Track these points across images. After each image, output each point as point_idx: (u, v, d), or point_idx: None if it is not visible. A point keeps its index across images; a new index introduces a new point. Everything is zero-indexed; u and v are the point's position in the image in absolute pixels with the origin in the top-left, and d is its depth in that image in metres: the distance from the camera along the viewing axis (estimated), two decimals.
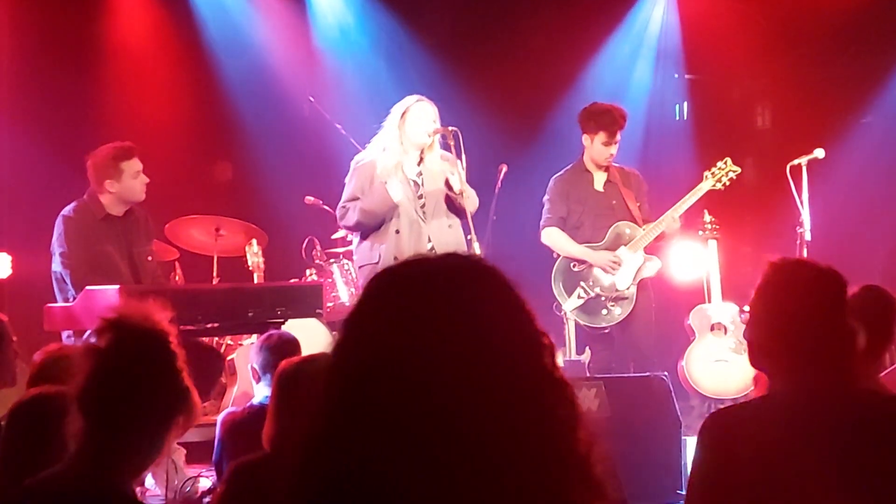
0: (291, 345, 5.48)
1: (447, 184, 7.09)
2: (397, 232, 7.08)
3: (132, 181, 6.92)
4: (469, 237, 7.08)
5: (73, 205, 6.96)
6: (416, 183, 7.17)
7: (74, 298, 6.52)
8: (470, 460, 1.51)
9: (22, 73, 9.45)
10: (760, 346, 3.05)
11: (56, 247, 6.84)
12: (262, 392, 5.45)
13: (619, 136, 7.82)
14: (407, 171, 7.16)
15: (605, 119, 7.78)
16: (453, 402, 1.52)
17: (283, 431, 4.04)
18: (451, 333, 1.55)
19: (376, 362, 1.56)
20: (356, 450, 1.54)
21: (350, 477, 1.53)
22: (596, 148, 7.83)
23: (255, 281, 8.29)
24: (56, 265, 6.85)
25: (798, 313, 2.98)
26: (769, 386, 3.03)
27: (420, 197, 7.14)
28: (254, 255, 8.41)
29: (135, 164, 6.94)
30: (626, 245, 7.81)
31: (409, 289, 1.62)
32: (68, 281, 6.75)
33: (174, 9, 10.20)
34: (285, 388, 4.10)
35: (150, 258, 7.19)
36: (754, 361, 3.09)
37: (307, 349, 7.49)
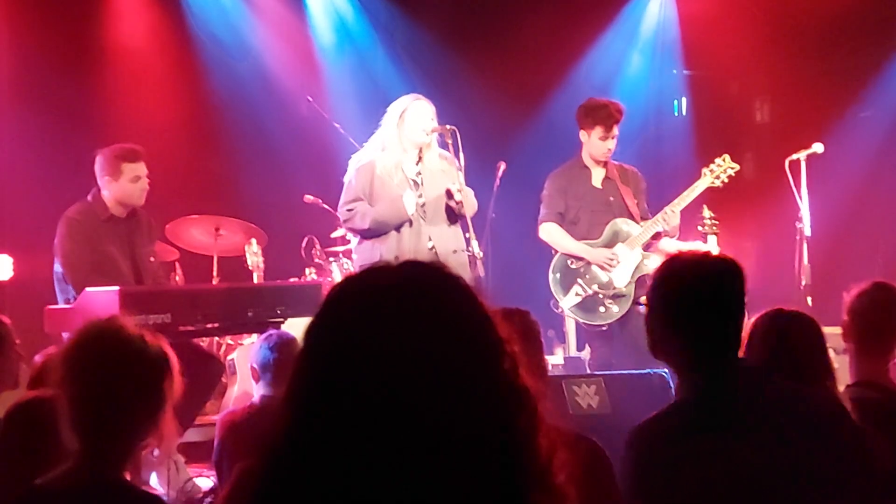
0: (291, 344, 5.48)
1: (449, 194, 7.09)
2: (398, 231, 7.09)
3: (129, 184, 6.90)
4: (467, 235, 7.08)
5: (76, 205, 6.96)
6: (415, 182, 7.17)
7: (74, 299, 6.53)
8: (428, 470, 1.52)
9: (22, 77, 9.45)
10: (659, 339, 3.01)
11: (58, 247, 6.85)
12: (261, 391, 5.45)
13: (616, 131, 7.82)
14: (407, 170, 7.16)
15: (601, 113, 7.80)
16: (411, 409, 1.53)
17: None
18: (409, 342, 1.56)
19: (335, 372, 1.56)
20: (315, 456, 1.55)
21: (309, 482, 1.54)
22: (593, 143, 7.84)
23: (255, 280, 8.30)
24: (58, 266, 6.86)
25: (689, 304, 2.93)
26: (676, 386, 2.99)
27: (420, 196, 7.15)
28: (253, 255, 8.43)
29: (136, 168, 6.92)
30: (623, 242, 7.81)
31: (367, 298, 1.62)
32: (69, 281, 6.76)
33: (172, 10, 10.20)
34: None
35: (152, 259, 7.20)
36: (655, 354, 3.05)
37: None
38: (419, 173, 7.19)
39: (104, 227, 6.91)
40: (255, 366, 5.49)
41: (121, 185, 6.88)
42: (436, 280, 1.65)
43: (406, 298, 1.61)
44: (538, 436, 1.60)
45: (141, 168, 6.93)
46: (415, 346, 1.56)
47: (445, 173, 7.17)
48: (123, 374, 2.92)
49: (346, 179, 7.28)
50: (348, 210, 7.21)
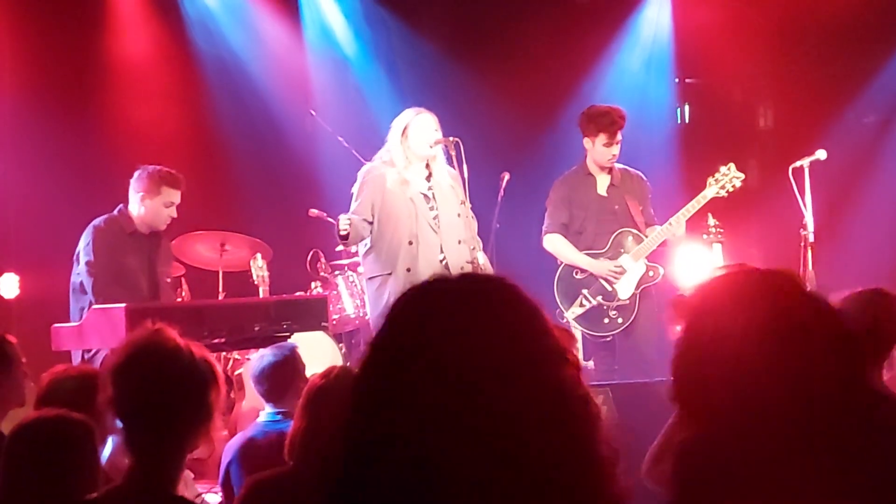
0: (284, 366, 5.49)
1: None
2: (410, 243, 7.11)
3: (162, 207, 7.07)
4: (472, 247, 7.09)
5: (102, 217, 7.12)
6: (425, 196, 7.20)
7: (90, 306, 6.58)
8: (494, 476, 1.53)
9: (26, 96, 9.47)
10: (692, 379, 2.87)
11: (82, 255, 6.94)
12: (267, 411, 5.46)
13: (619, 137, 7.84)
14: (418, 185, 7.19)
15: (604, 120, 7.81)
16: (476, 420, 1.55)
17: (310, 446, 4.07)
18: (474, 353, 1.58)
19: (402, 383, 1.58)
20: (379, 468, 1.56)
21: (376, 490, 1.56)
22: (598, 150, 7.86)
23: (261, 295, 8.30)
24: (78, 273, 6.92)
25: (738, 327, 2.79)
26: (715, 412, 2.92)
27: (432, 209, 7.17)
28: (258, 270, 8.43)
29: (173, 195, 7.08)
30: (628, 253, 7.83)
31: (433, 310, 1.64)
32: (89, 289, 6.81)
33: (174, 26, 10.22)
34: (313, 404, 4.12)
35: (168, 280, 7.31)
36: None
37: (314, 362, 7.52)
38: (430, 188, 7.21)
39: (128, 240, 7.05)
40: (256, 391, 5.51)
41: (154, 205, 7.03)
42: (497, 291, 1.67)
43: (469, 309, 1.63)
44: (598, 444, 1.62)
45: (177, 196, 7.11)
46: (480, 354, 1.58)
47: (454, 189, 7.20)
48: (174, 388, 2.95)
49: (353, 190, 7.29)
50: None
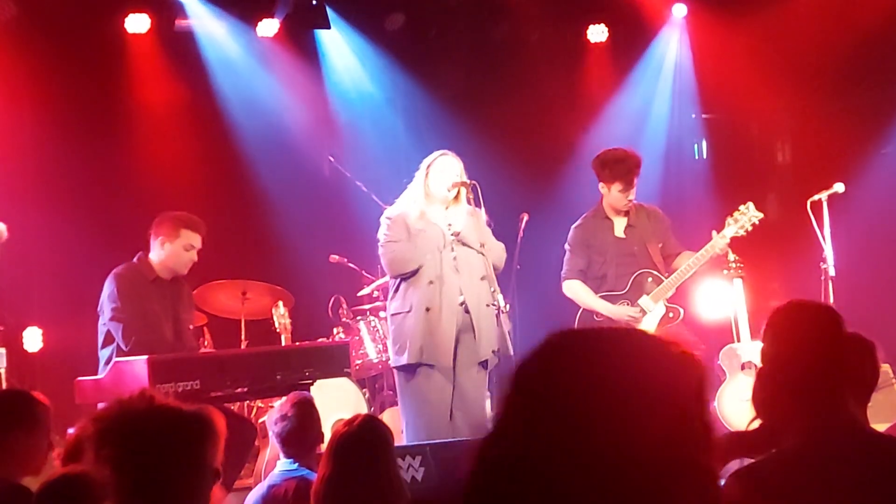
0: (309, 428, 5.48)
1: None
2: (430, 283, 7.12)
3: (182, 251, 7.10)
4: (493, 289, 7.07)
5: (123, 265, 7.14)
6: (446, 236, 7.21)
7: (114, 356, 6.60)
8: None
9: (49, 148, 9.52)
10: (766, 399, 3.05)
11: (107, 303, 6.95)
12: (284, 465, 5.46)
13: (635, 181, 7.86)
14: (439, 223, 7.20)
15: (620, 169, 7.82)
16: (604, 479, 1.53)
17: (337, 494, 4.07)
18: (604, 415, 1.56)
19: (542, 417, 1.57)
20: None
21: None
22: (613, 196, 7.88)
23: (283, 342, 8.32)
24: (104, 324, 6.93)
25: (796, 357, 3.01)
26: (785, 439, 3.01)
27: (452, 250, 7.17)
28: (280, 317, 8.46)
29: (193, 238, 7.11)
30: (647, 294, 7.83)
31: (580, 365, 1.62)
32: (119, 335, 6.82)
33: (195, 75, 10.27)
34: (339, 452, 4.12)
35: (191, 327, 7.34)
36: (763, 415, 3.07)
37: (338, 408, 7.53)
38: (450, 225, 7.21)
39: (150, 287, 7.07)
40: (279, 448, 5.50)
41: (174, 248, 7.06)
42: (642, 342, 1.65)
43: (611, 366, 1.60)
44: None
45: (197, 240, 7.12)
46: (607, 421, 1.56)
47: (474, 228, 7.18)
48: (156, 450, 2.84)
49: (379, 235, 7.28)
50: (382, 249, 7.22)
